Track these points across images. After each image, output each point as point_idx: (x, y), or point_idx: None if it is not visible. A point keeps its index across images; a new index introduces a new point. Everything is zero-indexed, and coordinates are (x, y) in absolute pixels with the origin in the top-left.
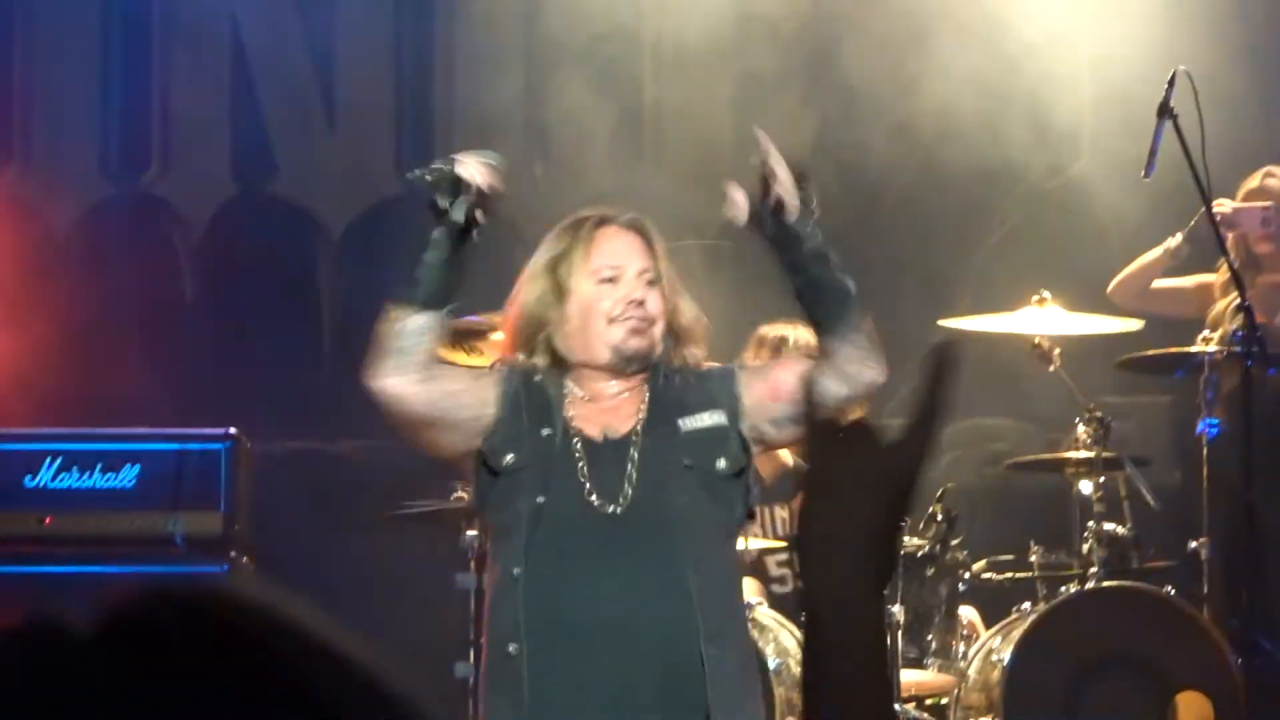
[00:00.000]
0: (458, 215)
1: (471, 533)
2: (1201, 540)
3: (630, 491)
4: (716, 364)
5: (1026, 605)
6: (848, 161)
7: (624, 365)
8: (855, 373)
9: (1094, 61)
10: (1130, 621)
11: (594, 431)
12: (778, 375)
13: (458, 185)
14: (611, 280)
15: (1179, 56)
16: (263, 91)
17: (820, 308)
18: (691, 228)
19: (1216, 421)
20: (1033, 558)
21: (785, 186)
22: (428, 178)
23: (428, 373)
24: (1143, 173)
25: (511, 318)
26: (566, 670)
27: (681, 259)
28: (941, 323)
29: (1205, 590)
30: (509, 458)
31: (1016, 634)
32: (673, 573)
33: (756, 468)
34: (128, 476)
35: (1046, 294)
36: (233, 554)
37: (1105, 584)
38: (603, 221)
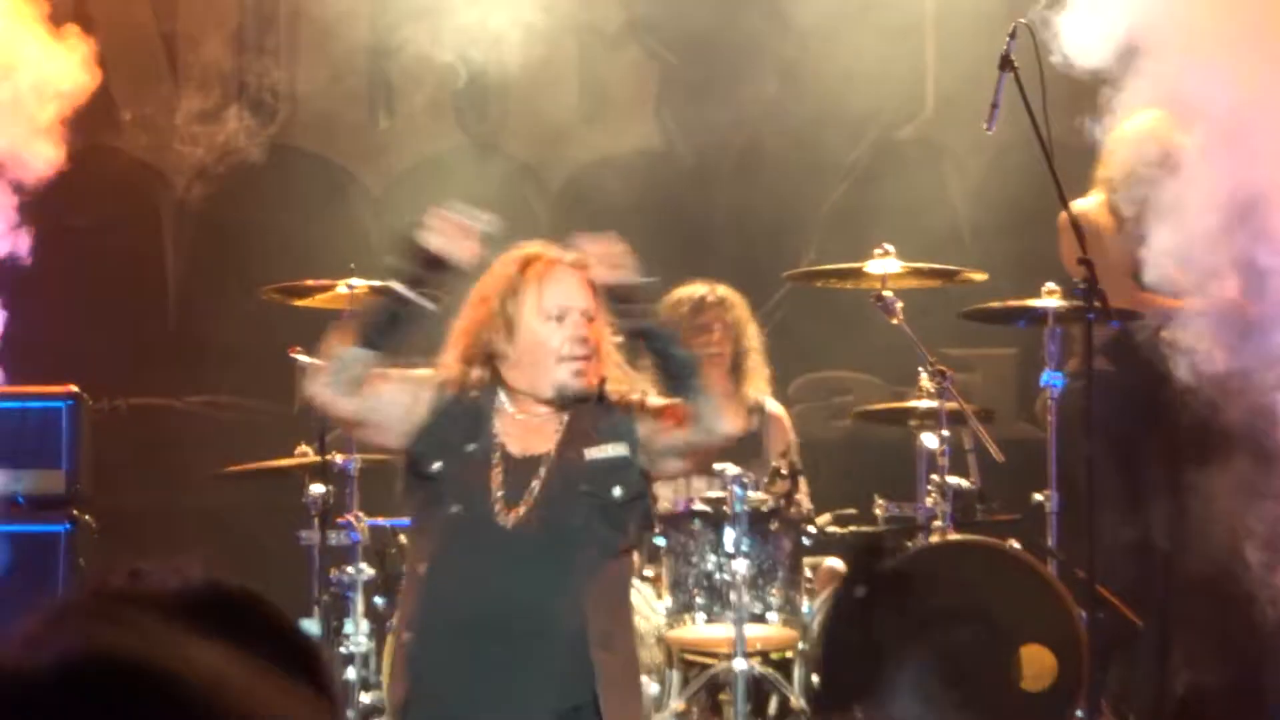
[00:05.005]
0: (423, 300)
1: (316, 489)
2: (1046, 493)
3: (530, 508)
4: (626, 392)
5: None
6: (693, 115)
7: (565, 402)
8: (711, 426)
9: (937, 13)
10: (974, 575)
11: (515, 447)
12: (661, 422)
13: (432, 260)
14: (559, 319)
15: (1021, 8)
16: (106, 49)
17: (672, 378)
18: (536, 184)
19: (1061, 374)
20: (877, 511)
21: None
22: (408, 245)
23: (358, 389)
24: (985, 125)
25: (460, 336)
26: (452, 664)
27: None
28: (787, 275)
29: (1050, 543)
30: (436, 466)
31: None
32: (565, 584)
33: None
34: None
35: (890, 246)
36: (75, 512)
37: (949, 537)
38: (551, 263)
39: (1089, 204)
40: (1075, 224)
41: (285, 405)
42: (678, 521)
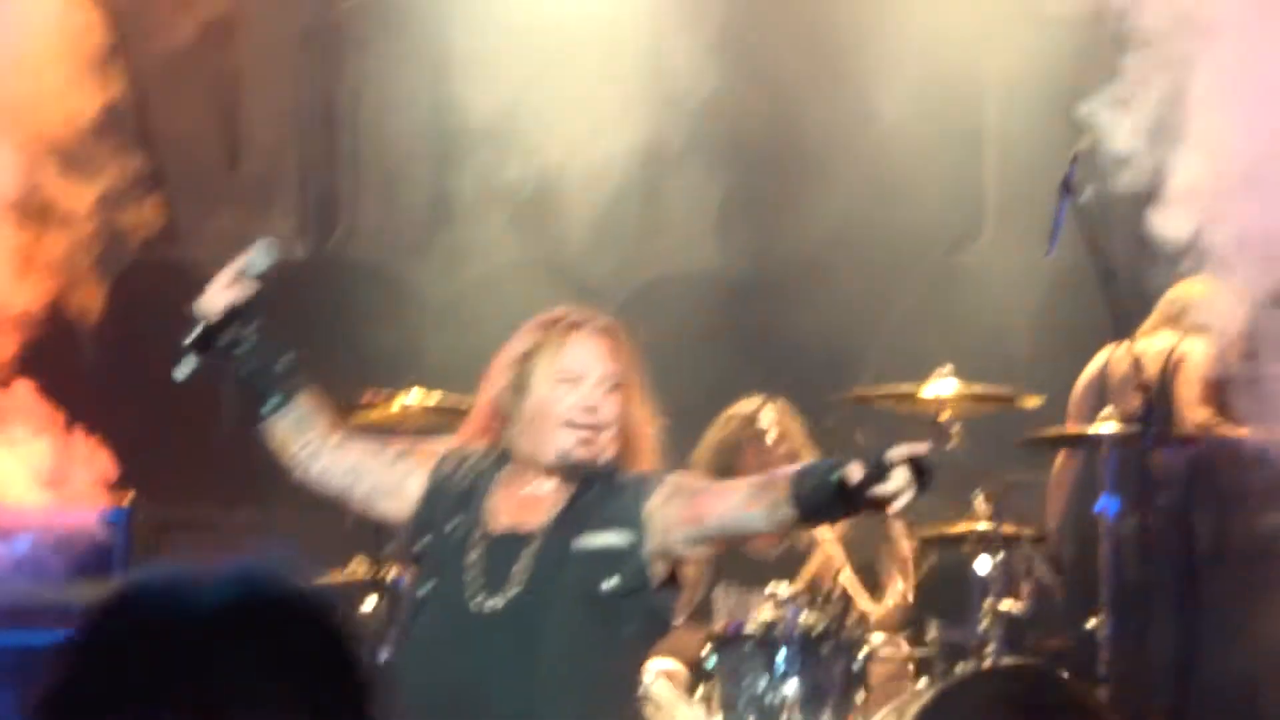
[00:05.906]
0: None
1: (369, 604)
2: (1099, 619)
3: (508, 593)
4: (642, 472)
5: (923, 683)
6: (757, 232)
7: (565, 472)
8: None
9: (1000, 137)
10: (1023, 702)
11: (502, 524)
12: (705, 503)
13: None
14: (573, 382)
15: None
16: (163, 152)
17: (817, 500)
18: (594, 294)
19: (1117, 499)
20: (930, 634)
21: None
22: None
23: (316, 462)
24: (1046, 251)
25: (477, 405)
26: None
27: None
28: (844, 397)
29: (1102, 670)
30: (421, 542)
31: (911, 712)
32: (525, 678)
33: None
34: (21, 544)
35: (948, 367)
36: None
37: (1000, 663)
38: (575, 325)
39: (1173, 341)
40: (1136, 359)
41: (339, 519)
42: (729, 643)
